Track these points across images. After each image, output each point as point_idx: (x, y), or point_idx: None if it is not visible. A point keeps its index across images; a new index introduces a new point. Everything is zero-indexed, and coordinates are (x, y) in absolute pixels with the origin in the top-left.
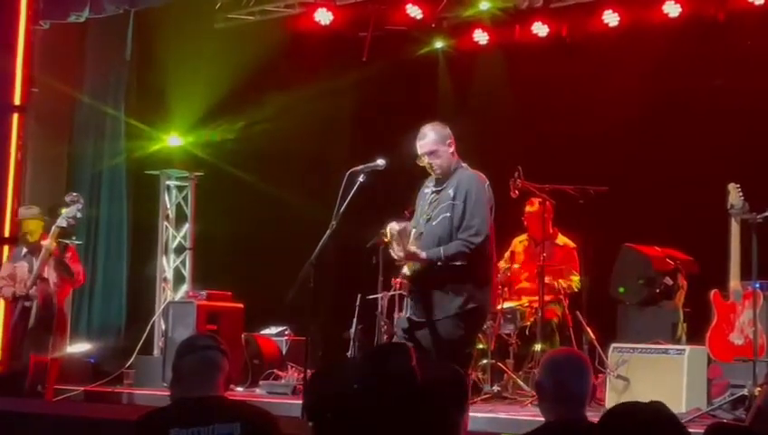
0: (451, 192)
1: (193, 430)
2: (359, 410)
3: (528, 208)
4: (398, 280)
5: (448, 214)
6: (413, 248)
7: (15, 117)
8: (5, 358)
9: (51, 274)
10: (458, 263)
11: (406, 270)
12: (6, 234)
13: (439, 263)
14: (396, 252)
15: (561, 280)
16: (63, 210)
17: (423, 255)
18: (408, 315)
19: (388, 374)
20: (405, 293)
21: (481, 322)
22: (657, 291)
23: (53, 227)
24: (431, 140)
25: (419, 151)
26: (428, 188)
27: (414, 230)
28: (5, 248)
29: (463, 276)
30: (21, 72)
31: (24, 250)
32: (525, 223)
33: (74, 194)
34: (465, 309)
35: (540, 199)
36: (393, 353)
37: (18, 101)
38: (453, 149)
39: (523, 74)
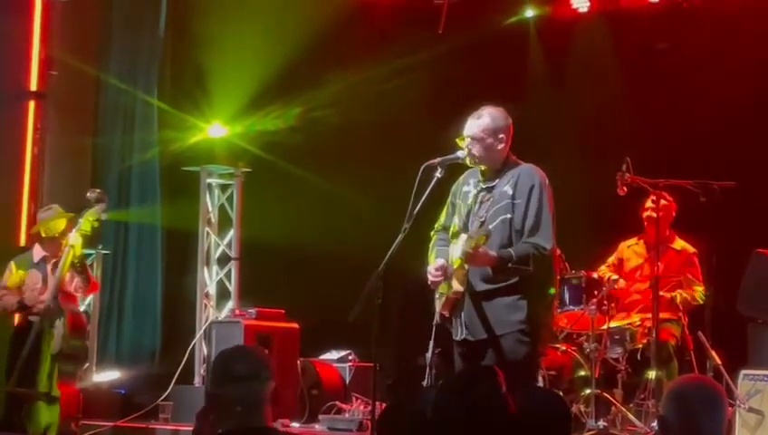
0: (509, 190)
1: None
2: None
3: (648, 207)
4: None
5: (508, 215)
6: (485, 249)
7: (32, 105)
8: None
9: (68, 286)
10: (526, 268)
11: (456, 285)
12: (22, 242)
13: (510, 265)
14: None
15: (681, 291)
16: (88, 212)
17: (493, 253)
18: (462, 337)
19: (475, 405)
20: (446, 314)
21: (547, 337)
22: None
23: (72, 234)
24: (482, 125)
25: (465, 132)
26: (470, 186)
27: (464, 235)
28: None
29: (525, 286)
30: (38, 53)
31: (39, 256)
32: (645, 224)
33: (97, 190)
34: (530, 322)
35: (653, 197)
36: (480, 379)
37: (35, 87)
38: (504, 144)
39: (631, 47)
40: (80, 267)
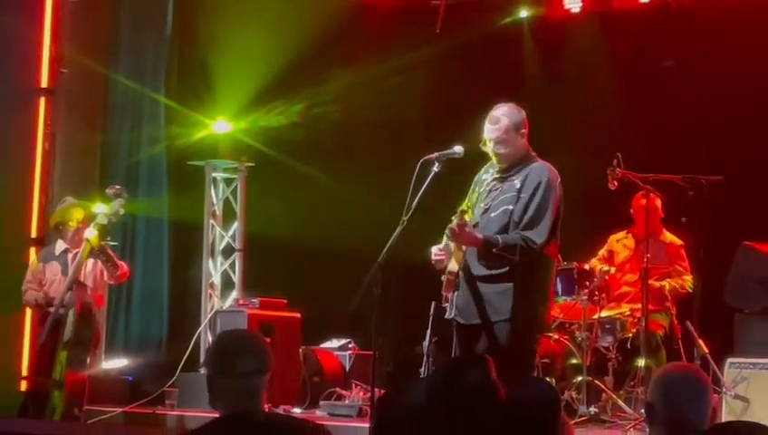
0: (517, 183)
1: None
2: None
3: (637, 202)
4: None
5: (510, 206)
6: (470, 229)
7: (42, 101)
8: (32, 374)
9: (88, 278)
10: (512, 257)
11: (453, 265)
12: (33, 234)
13: (494, 250)
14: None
15: (670, 280)
16: (106, 205)
17: (479, 235)
18: (452, 316)
19: (466, 392)
20: (446, 293)
21: (542, 327)
22: None
23: (92, 226)
24: (504, 126)
25: (487, 135)
26: (488, 175)
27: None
28: (32, 251)
29: (521, 275)
30: (48, 51)
31: (60, 248)
32: (634, 218)
33: (117, 187)
34: (523, 311)
35: (643, 191)
36: (470, 367)
37: (45, 84)
38: (524, 137)
39: (623, 47)
40: (103, 257)
